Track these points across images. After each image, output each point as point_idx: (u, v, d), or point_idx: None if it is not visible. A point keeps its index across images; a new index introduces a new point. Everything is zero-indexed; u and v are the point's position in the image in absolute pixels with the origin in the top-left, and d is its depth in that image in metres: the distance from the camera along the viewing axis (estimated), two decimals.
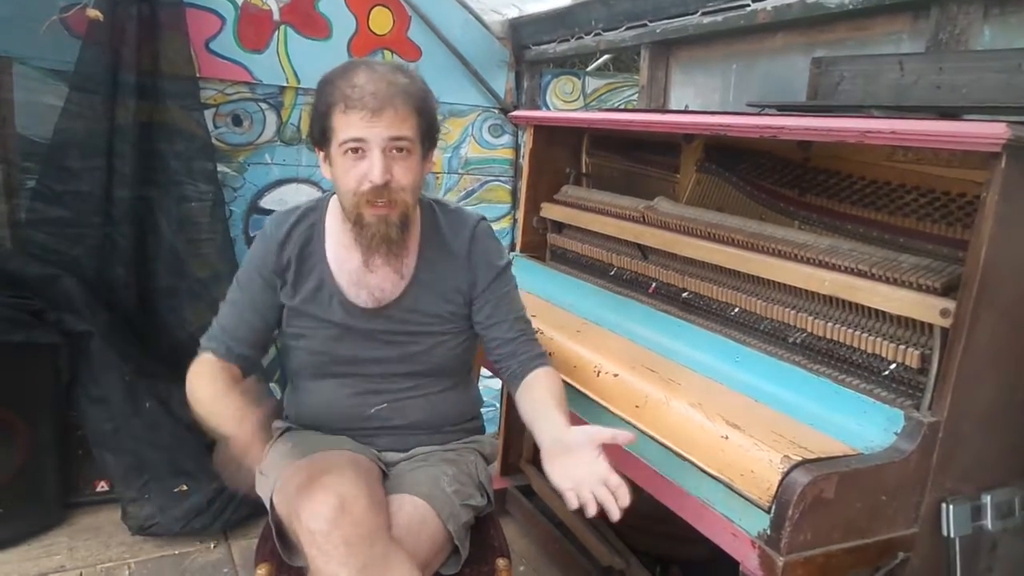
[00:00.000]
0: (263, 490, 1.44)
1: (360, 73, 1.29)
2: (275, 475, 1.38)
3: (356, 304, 1.44)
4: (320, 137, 1.34)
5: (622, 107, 3.33)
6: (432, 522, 1.33)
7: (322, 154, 1.37)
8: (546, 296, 1.99)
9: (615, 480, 1.13)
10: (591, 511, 1.12)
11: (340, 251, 1.44)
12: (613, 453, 1.45)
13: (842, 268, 1.31)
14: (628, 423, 1.38)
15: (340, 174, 1.32)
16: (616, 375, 1.48)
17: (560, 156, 2.24)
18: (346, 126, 1.27)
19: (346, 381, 1.47)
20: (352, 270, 1.43)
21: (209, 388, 1.35)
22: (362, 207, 1.32)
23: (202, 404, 1.33)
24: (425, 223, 1.47)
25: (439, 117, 1.41)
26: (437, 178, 3.06)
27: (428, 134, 1.36)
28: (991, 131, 1.01)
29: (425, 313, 1.47)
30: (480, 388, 1.70)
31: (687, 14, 2.20)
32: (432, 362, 1.49)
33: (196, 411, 1.34)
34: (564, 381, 1.57)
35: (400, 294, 1.45)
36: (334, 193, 1.43)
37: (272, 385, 2.76)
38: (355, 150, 1.28)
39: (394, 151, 1.29)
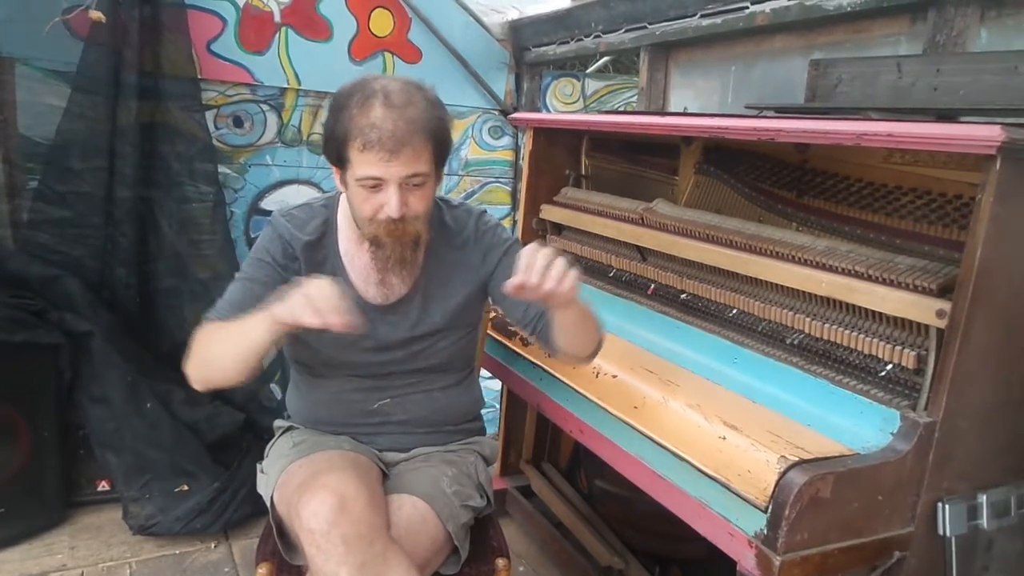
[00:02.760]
0: (264, 489, 1.45)
1: (377, 107, 1.26)
2: (275, 474, 1.39)
3: (367, 300, 1.45)
4: (336, 160, 1.35)
5: (621, 109, 3.34)
6: (432, 522, 1.33)
7: (337, 171, 1.37)
8: None
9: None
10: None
11: (351, 247, 1.45)
12: (611, 454, 1.46)
13: (839, 270, 1.32)
14: (627, 424, 1.38)
15: (356, 201, 1.34)
16: (615, 376, 1.49)
17: (560, 158, 2.25)
18: (364, 164, 1.28)
19: (351, 378, 1.49)
20: (363, 267, 1.45)
21: (218, 330, 1.33)
22: (379, 234, 1.35)
23: (216, 343, 1.32)
24: (432, 220, 1.49)
25: (453, 144, 1.43)
26: None
27: (442, 158, 1.36)
28: (986, 133, 1.02)
29: (434, 307, 1.48)
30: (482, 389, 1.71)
31: (686, 16, 2.21)
32: (436, 357, 1.50)
33: (212, 363, 1.32)
34: (564, 382, 1.59)
35: (409, 290, 1.47)
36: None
37: (273, 386, 2.77)
38: (373, 186, 1.30)
39: (411, 184, 1.31)
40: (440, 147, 1.34)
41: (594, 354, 1.47)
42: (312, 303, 1.15)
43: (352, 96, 1.29)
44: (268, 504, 1.41)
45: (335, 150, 1.32)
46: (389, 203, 1.29)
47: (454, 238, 1.50)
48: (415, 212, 1.33)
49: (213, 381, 1.35)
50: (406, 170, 1.28)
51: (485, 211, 1.57)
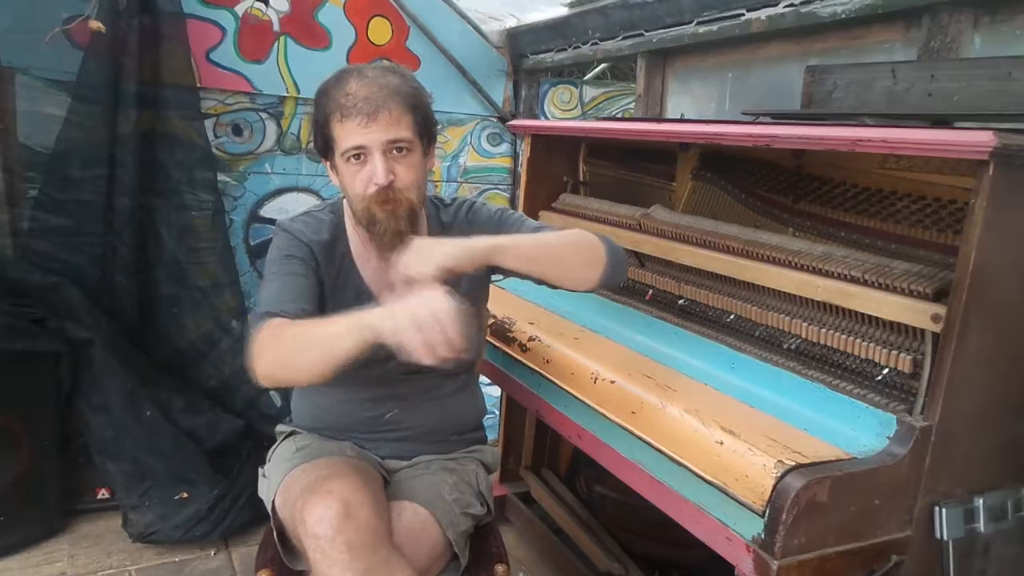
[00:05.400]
0: (265, 493, 1.46)
1: (352, 80, 1.32)
2: (278, 478, 1.39)
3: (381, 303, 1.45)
4: (323, 147, 1.38)
5: (619, 116, 3.35)
6: (432, 529, 1.34)
7: (328, 163, 1.41)
8: (544, 304, 2.00)
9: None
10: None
11: (362, 251, 1.46)
12: (609, 459, 1.47)
13: (835, 275, 1.33)
14: (625, 429, 1.39)
15: (346, 181, 1.36)
16: (613, 381, 1.49)
17: (558, 165, 2.26)
18: (345, 135, 1.31)
19: (362, 386, 1.47)
20: (375, 270, 1.46)
21: (296, 329, 1.21)
22: (372, 208, 1.35)
23: (300, 347, 1.18)
24: (430, 217, 1.51)
25: (438, 124, 1.43)
26: (436, 186, 3.08)
27: (425, 130, 1.38)
28: (979, 139, 1.03)
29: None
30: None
31: (683, 24, 2.22)
32: None
33: (294, 366, 1.19)
34: (562, 388, 1.59)
35: None
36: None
37: (272, 393, 2.76)
38: (357, 156, 1.32)
39: (394, 152, 1.32)
40: (421, 117, 1.36)
41: (611, 266, 1.36)
42: (420, 333, 1.05)
43: (330, 82, 1.35)
44: (269, 509, 1.41)
45: (321, 136, 1.36)
46: (376, 172, 1.31)
47: (449, 231, 1.50)
48: (404, 182, 1.34)
49: (288, 383, 1.31)
50: (386, 134, 1.30)
51: (475, 200, 1.57)
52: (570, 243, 1.37)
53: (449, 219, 1.52)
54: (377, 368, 1.45)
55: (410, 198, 1.36)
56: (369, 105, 1.29)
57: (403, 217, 1.36)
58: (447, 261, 1.20)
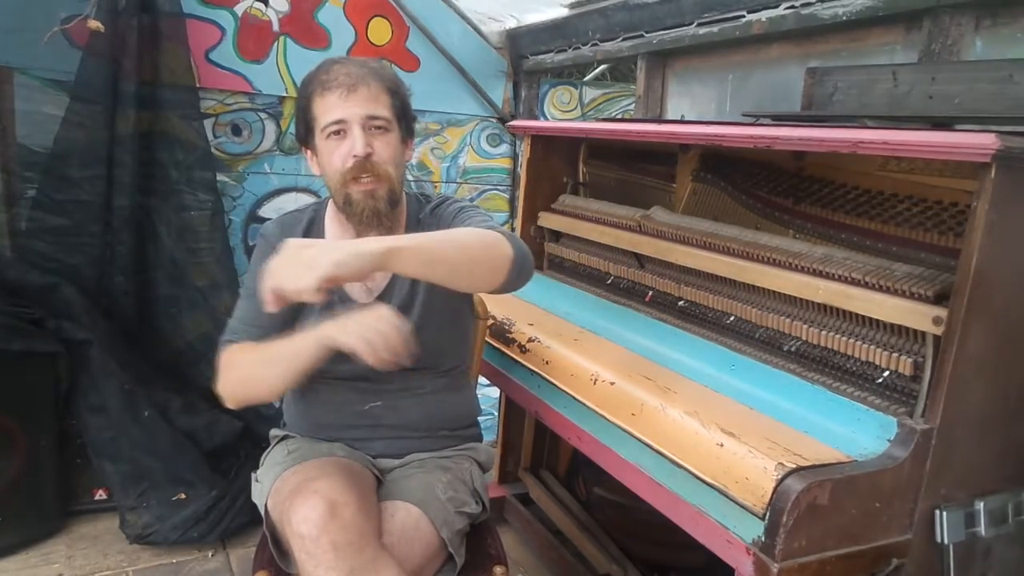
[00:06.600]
0: (258, 498, 1.45)
1: (334, 64, 1.39)
2: (269, 482, 1.39)
3: (350, 297, 1.47)
4: (305, 132, 1.42)
5: (619, 117, 3.35)
6: (426, 529, 1.33)
7: (309, 152, 1.44)
8: (543, 305, 2.00)
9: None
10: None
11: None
12: (609, 461, 1.46)
13: (836, 277, 1.32)
14: (624, 431, 1.38)
15: (325, 159, 1.39)
16: (612, 383, 1.49)
17: (557, 166, 2.25)
18: (325, 110, 1.35)
19: (342, 380, 1.48)
20: None
21: (256, 352, 1.35)
22: (349, 186, 1.37)
23: (259, 366, 1.34)
24: (411, 213, 1.52)
25: (418, 119, 1.45)
26: (436, 187, 3.08)
27: (403, 116, 1.42)
28: (981, 141, 1.02)
29: (416, 298, 1.48)
30: (478, 397, 1.71)
31: (683, 25, 2.22)
32: (423, 352, 1.48)
33: (256, 384, 1.35)
34: (562, 390, 1.58)
35: (388, 282, 1.47)
36: None
37: None
38: (337, 132, 1.35)
39: (373, 128, 1.36)
40: (399, 102, 1.41)
41: (517, 269, 1.28)
42: (368, 340, 1.15)
43: (312, 70, 1.41)
44: (263, 513, 1.41)
45: (303, 121, 1.41)
46: (355, 144, 1.34)
47: (419, 229, 1.50)
48: (381, 156, 1.37)
49: (253, 400, 1.40)
50: (365, 109, 1.34)
51: (447, 198, 1.56)
52: (477, 244, 1.24)
53: (423, 215, 1.53)
54: (355, 362, 1.46)
55: (389, 172, 1.38)
56: (349, 79, 1.34)
57: (382, 198, 1.39)
58: (331, 270, 1.04)
